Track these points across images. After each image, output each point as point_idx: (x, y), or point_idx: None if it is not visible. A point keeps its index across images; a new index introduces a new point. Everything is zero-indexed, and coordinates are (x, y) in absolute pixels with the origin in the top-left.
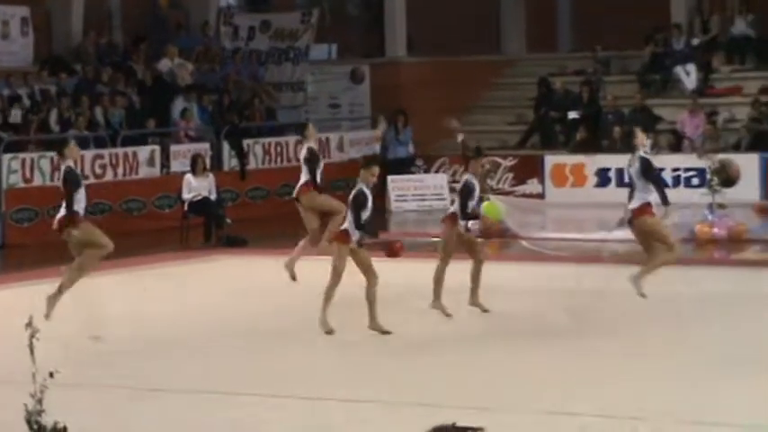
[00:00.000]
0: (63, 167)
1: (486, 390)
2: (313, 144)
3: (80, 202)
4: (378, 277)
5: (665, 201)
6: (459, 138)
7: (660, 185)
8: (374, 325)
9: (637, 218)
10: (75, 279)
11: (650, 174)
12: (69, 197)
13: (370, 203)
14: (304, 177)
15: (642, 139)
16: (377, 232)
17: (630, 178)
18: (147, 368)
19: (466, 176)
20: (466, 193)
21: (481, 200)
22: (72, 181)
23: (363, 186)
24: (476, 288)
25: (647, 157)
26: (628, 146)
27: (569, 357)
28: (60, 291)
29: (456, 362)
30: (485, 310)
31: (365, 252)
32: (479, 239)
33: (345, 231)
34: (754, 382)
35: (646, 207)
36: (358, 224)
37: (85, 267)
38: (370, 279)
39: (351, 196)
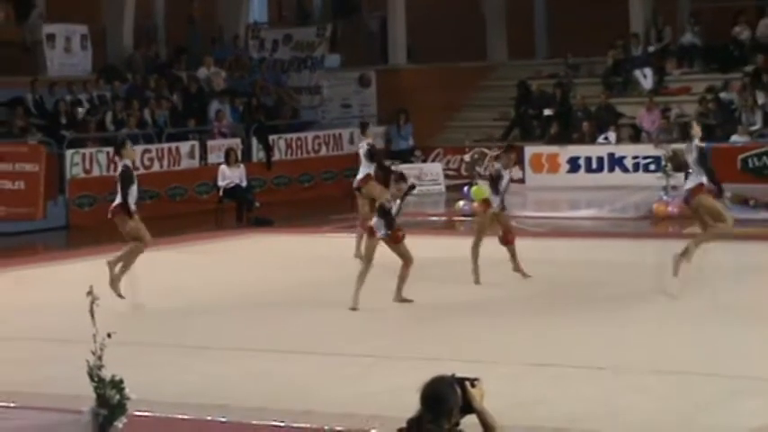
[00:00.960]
0: (120, 165)
1: (486, 347)
2: (372, 140)
3: (132, 197)
4: (412, 260)
5: (716, 184)
6: (468, 157)
7: (712, 172)
8: (398, 297)
9: (693, 197)
10: (129, 263)
11: (704, 161)
12: (124, 192)
13: (394, 210)
14: (364, 171)
15: (697, 131)
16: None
17: (687, 163)
18: (192, 329)
19: (497, 165)
20: (495, 179)
21: (469, 185)
22: (127, 178)
23: (388, 199)
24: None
25: (703, 146)
26: (594, 138)
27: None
28: (122, 269)
29: (464, 324)
30: (526, 276)
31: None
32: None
33: (371, 227)
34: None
35: (700, 187)
36: (388, 226)
37: (132, 256)
38: (405, 261)
39: (377, 206)
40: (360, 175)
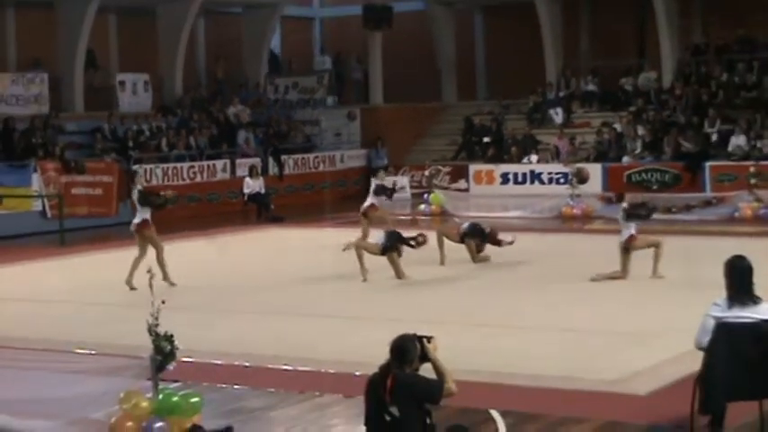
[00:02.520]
0: (135, 191)
1: (439, 311)
2: (380, 180)
3: (147, 213)
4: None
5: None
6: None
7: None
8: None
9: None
10: (163, 261)
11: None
12: (141, 210)
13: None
14: (371, 201)
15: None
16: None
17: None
18: (223, 298)
19: None
20: None
21: (428, 193)
22: (140, 200)
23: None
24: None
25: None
26: (520, 159)
27: (501, 292)
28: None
29: (424, 294)
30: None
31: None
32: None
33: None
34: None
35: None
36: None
37: (161, 258)
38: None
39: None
40: (366, 204)
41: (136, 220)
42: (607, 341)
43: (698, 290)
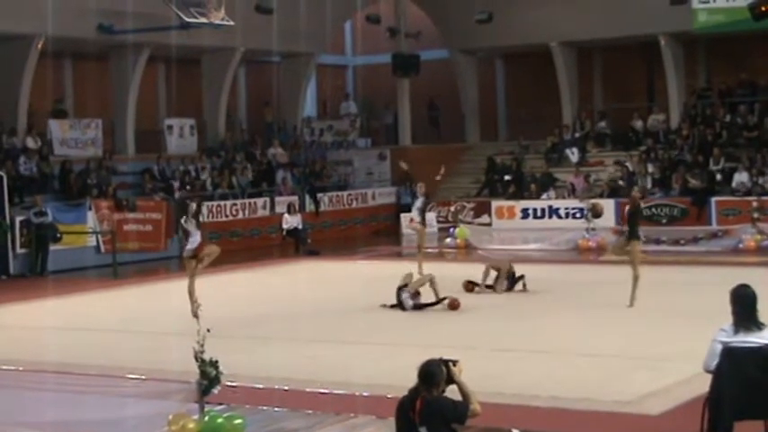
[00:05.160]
0: (182, 221)
1: (465, 337)
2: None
3: (199, 235)
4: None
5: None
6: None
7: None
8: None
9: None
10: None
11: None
12: (194, 233)
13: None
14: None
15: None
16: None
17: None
18: (262, 326)
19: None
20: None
21: (454, 227)
22: (186, 231)
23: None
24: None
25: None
26: (539, 195)
27: (524, 319)
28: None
29: (449, 321)
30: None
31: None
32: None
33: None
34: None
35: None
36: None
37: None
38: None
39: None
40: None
41: (190, 246)
42: (621, 365)
43: (705, 316)
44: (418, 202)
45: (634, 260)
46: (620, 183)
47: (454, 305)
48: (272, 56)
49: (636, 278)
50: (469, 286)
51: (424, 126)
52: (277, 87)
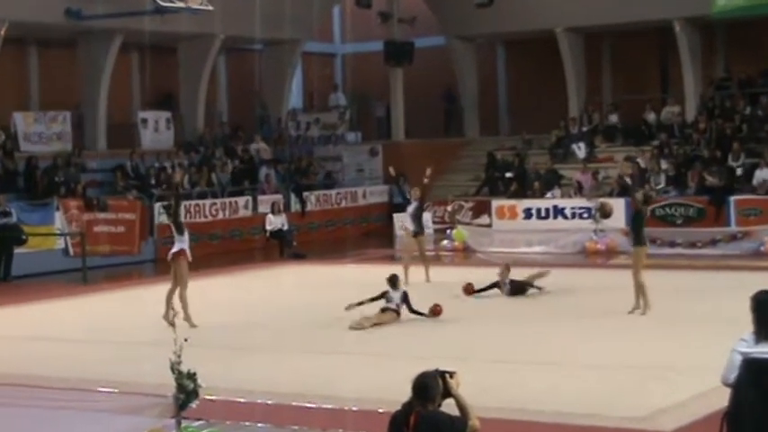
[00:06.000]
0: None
1: (462, 347)
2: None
3: (185, 242)
4: None
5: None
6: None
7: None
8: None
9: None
10: (177, 294)
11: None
12: (179, 238)
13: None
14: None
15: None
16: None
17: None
18: (248, 335)
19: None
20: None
21: (451, 228)
22: (178, 228)
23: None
24: None
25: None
26: (543, 194)
27: (523, 327)
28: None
29: (446, 330)
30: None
31: None
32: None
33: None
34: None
35: None
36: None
37: (184, 295)
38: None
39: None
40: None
41: (173, 249)
42: (632, 377)
43: (723, 325)
44: (410, 208)
45: (636, 267)
46: (627, 181)
47: (436, 311)
48: (254, 43)
49: (639, 286)
50: (470, 288)
51: (418, 119)
52: (260, 77)
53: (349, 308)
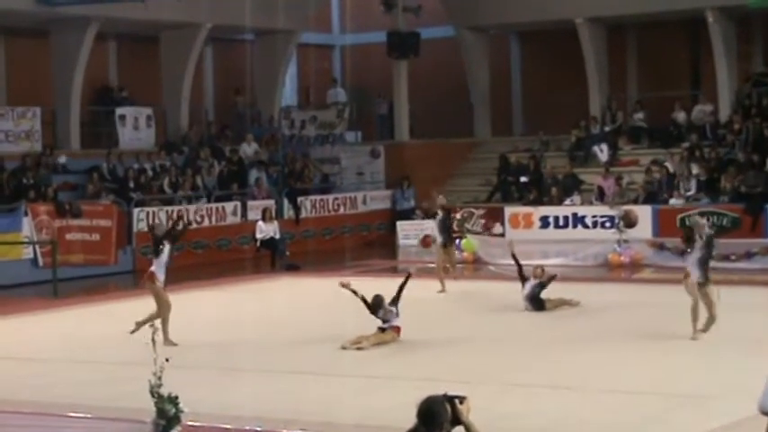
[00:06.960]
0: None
1: (473, 369)
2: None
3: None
4: None
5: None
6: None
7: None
8: None
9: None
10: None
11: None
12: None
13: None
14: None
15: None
16: None
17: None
18: (232, 355)
19: None
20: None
21: (460, 238)
22: (155, 251)
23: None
24: None
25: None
26: (561, 201)
27: (537, 349)
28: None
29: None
30: None
31: None
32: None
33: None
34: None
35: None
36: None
37: (158, 316)
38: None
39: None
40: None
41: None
42: (659, 404)
43: (761, 347)
44: (437, 218)
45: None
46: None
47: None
48: (244, 33)
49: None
50: (427, 240)
51: (423, 119)
52: (250, 71)
53: (345, 286)
